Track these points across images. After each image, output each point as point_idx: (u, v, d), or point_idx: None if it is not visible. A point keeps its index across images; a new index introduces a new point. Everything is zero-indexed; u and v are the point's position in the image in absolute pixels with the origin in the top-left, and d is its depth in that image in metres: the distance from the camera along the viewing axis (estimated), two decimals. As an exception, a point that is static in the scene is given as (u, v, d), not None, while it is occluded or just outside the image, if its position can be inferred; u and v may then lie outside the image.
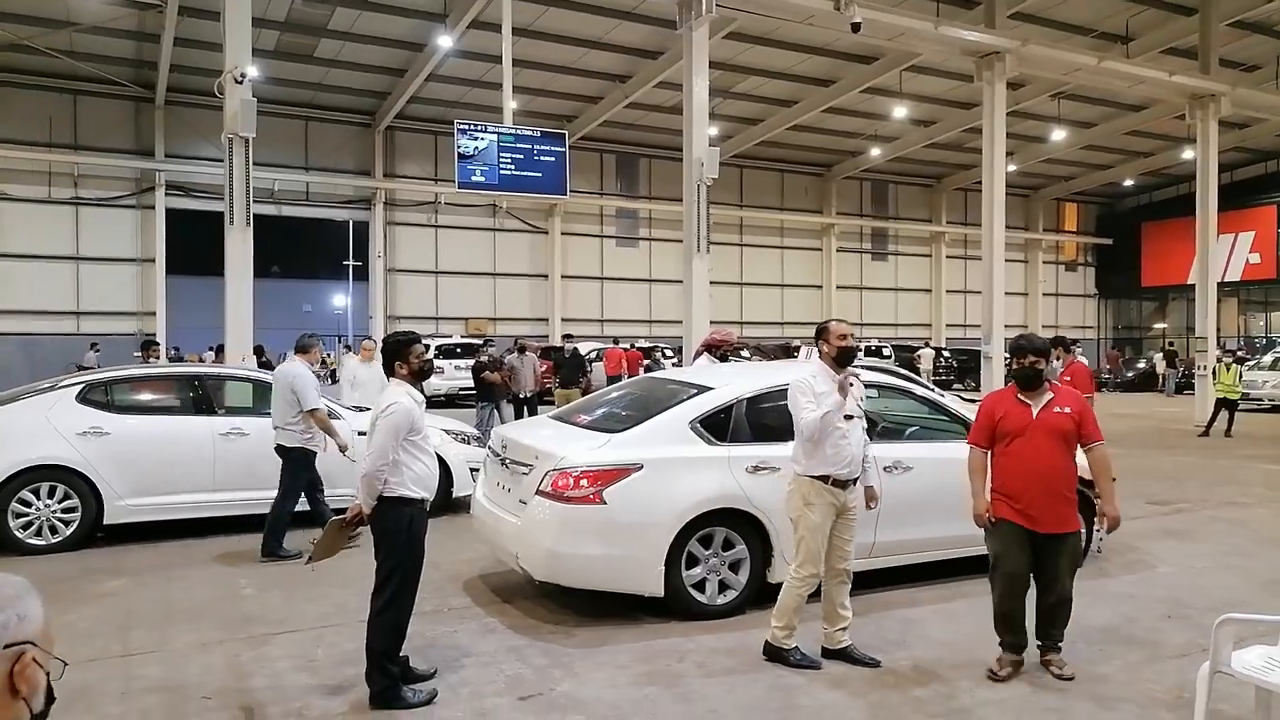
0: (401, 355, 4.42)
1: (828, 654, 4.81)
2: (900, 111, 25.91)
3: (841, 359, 4.78)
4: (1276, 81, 23.01)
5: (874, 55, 22.77)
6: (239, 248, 11.49)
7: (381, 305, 27.38)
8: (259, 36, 19.07)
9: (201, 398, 8.12)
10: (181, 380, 8.44)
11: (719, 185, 16.33)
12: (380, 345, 4.56)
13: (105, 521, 7.47)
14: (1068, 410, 4.54)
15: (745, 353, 19.90)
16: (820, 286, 34.09)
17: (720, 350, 9.03)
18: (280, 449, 7.18)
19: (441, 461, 8.64)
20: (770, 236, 33.32)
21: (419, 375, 4.47)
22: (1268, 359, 25.00)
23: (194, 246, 24.36)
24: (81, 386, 7.79)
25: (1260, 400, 21.76)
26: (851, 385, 4.68)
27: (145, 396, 8.33)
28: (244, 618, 5.58)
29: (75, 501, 7.35)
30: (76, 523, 7.36)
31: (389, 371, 4.46)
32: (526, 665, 4.75)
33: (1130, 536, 7.70)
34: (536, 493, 5.36)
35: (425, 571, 6.57)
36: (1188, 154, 26.24)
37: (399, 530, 4.27)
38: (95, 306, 23.77)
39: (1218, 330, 21.78)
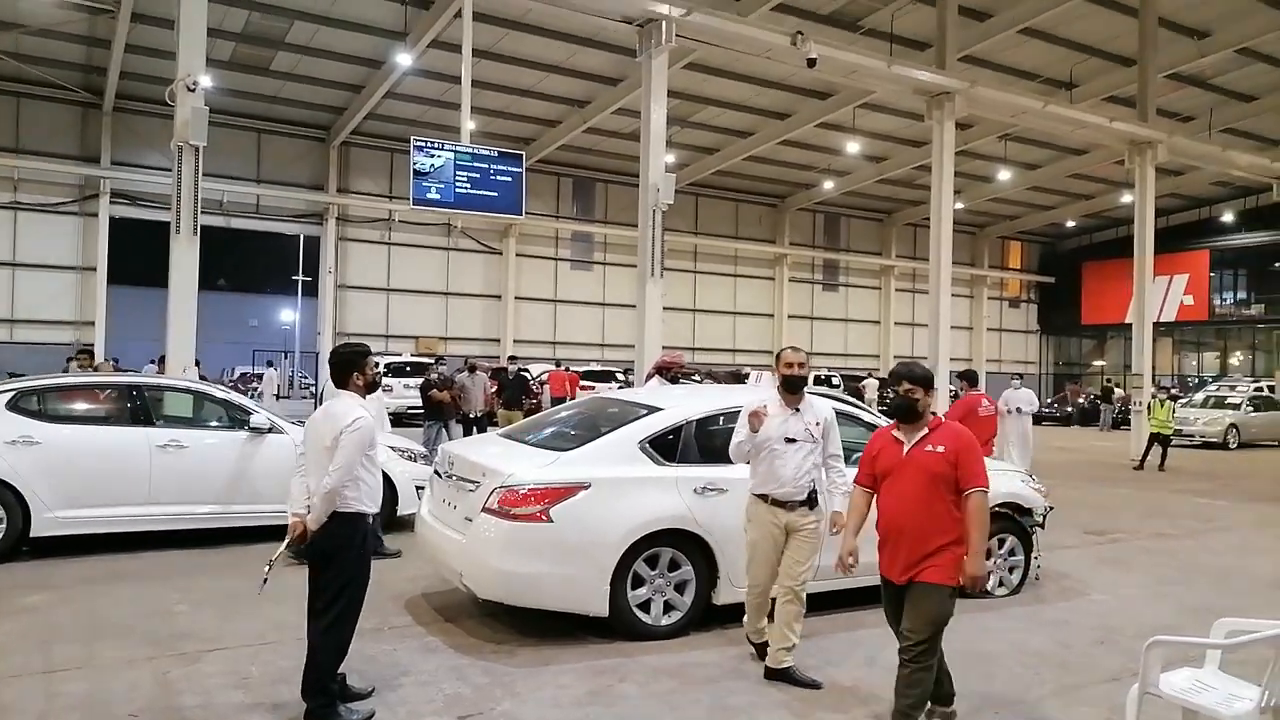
0: (359, 366, 4.38)
1: (771, 674, 4.83)
2: (853, 147, 26.47)
3: (786, 386, 4.96)
4: (1209, 132, 24.04)
5: (829, 91, 23.25)
6: (185, 258, 11.27)
7: (330, 321, 27.01)
8: (214, 47, 18.81)
9: (139, 408, 7.90)
10: (118, 390, 8.21)
11: (674, 212, 16.49)
12: (331, 355, 4.51)
13: (32, 534, 7.20)
14: (941, 449, 3.97)
15: (697, 378, 20.00)
16: (772, 315, 34.48)
17: (671, 373, 9.09)
18: None
19: (386, 479, 8.55)
20: (724, 264, 33.65)
21: (370, 388, 4.45)
22: (1199, 397, 25.86)
23: (138, 256, 23.81)
24: (12, 394, 7.53)
25: (1192, 437, 22.47)
26: (763, 420, 4.83)
27: (79, 406, 8.08)
28: (176, 634, 5.41)
29: (0, 513, 7.09)
30: (1, 535, 7.08)
31: (342, 384, 4.38)
32: (467, 684, 4.68)
33: (1066, 565, 7.89)
34: (483, 510, 5.31)
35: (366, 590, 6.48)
36: (1126, 198, 27.24)
37: (353, 546, 4.20)
38: (31, 315, 23.04)
39: (1153, 368, 22.48)
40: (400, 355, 24.42)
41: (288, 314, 39.36)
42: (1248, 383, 27.57)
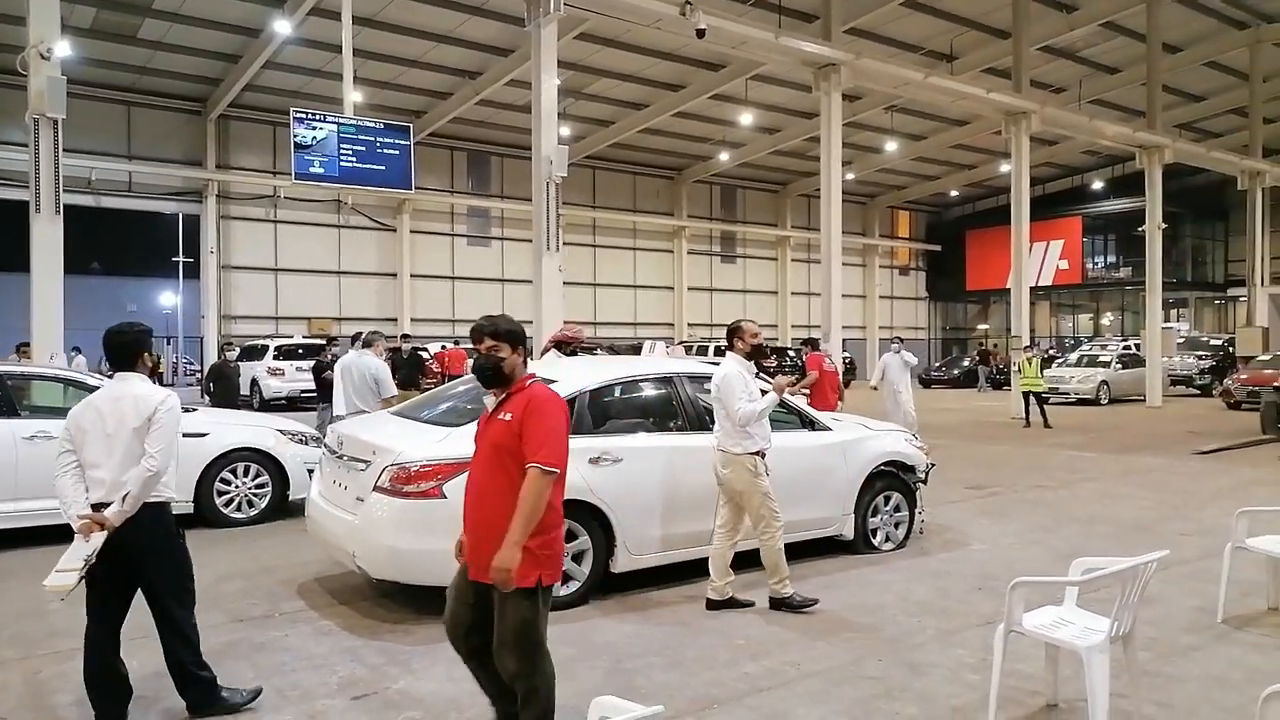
0: (147, 346, 4.18)
1: (714, 605, 5.46)
2: (747, 119, 26.79)
3: (754, 354, 5.64)
4: (1079, 103, 25.29)
5: (721, 63, 23.44)
6: (47, 239, 10.64)
7: (215, 304, 25.93)
8: (72, 12, 17.68)
9: (1, 398, 7.44)
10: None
11: (571, 186, 16.39)
12: (112, 336, 4.02)
13: (-117, 537, 6.73)
14: (508, 417, 3.34)
15: (599, 352, 20.02)
16: (672, 288, 34.77)
17: (569, 347, 9.05)
18: None
19: (277, 463, 8.34)
20: (622, 238, 33.71)
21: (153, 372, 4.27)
22: (1074, 357, 27.40)
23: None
24: None
25: (1068, 394, 23.83)
26: (784, 386, 5.65)
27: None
28: (48, 633, 5.15)
29: None
30: None
31: (128, 366, 4.00)
32: (362, 665, 4.62)
33: (949, 518, 8.28)
34: (374, 489, 5.22)
35: (256, 577, 6.32)
36: (1005, 167, 28.39)
37: (171, 534, 3.95)
38: (-123, 304, 21.36)
39: (1032, 331, 23.67)
40: (292, 337, 23.61)
41: (169, 297, 37.50)
42: (1118, 342, 29.32)
